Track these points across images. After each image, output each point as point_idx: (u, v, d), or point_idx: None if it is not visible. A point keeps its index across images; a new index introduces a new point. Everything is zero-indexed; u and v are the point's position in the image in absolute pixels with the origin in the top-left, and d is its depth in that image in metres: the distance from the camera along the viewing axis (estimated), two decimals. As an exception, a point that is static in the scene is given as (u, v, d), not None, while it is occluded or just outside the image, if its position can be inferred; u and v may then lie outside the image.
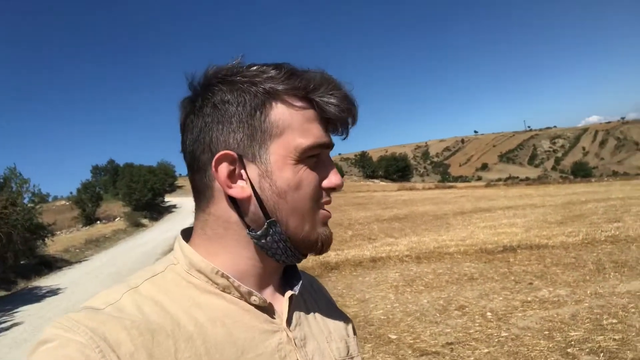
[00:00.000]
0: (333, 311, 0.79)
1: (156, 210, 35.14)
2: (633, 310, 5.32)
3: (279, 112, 0.61)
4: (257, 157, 0.61)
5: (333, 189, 0.65)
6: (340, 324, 0.77)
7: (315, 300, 0.77)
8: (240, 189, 0.61)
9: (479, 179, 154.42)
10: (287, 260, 0.65)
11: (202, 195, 0.64)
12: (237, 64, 0.63)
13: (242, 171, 0.61)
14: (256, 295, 0.63)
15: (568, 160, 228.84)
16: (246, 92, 0.61)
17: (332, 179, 0.64)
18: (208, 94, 0.62)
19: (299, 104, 0.62)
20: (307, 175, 0.62)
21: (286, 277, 0.72)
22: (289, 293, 0.67)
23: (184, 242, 0.65)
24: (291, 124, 0.61)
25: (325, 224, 0.66)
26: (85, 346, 0.50)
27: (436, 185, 47.04)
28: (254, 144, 0.61)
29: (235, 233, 0.63)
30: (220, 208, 0.63)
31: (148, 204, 33.86)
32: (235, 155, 0.60)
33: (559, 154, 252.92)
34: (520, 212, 18.13)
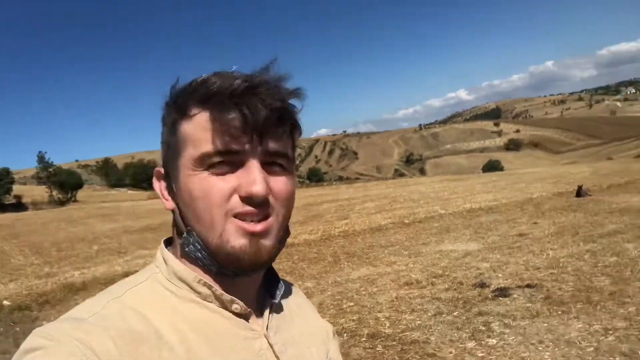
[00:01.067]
0: (312, 316, 0.80)
1: None
2: (364, 292, 6.34)
3: (184, 126, 0.61)
4: (176, 171, 0.63)
5: (249, 198, 0.59)
6: (320, 328, 0.78)
7: (295, 305, 0.78)
8: (168, 202, 0.65)
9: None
10: (215, 270, 0.63)
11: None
12: (199, 78, 0.62)
13: (169, 185, 0.65)
14: (238, 304, 0.64)
15: (304, 166, 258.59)
16: (170, 112, 0.63)
17: (245, 187, 0.59)
18: (164, 111, 0.65)
19: (201, 113, 0.60)
20: (208, 185, 0.60)
21: (267, 284, 0.73)
22: (269, 300, 0.69)
23: (166, 251, 0.66)
24: (190, 136, 0.61)
25: (244, 235, 0.60)
26: (72, 355, 0.50)
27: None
28: (171, 159, 0.64)
29: None
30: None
31: None
32: (161, 172, 0.66)
33: (297, 162, 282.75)
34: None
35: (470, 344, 4.25)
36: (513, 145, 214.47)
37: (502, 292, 5.75)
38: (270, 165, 0.62)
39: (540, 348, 3.96)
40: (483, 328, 4.61)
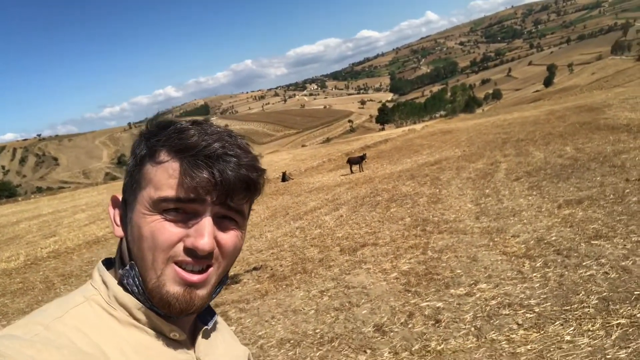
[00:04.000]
0: (234, 342, 0.84)
1: None
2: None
3: (150, 167, 0.65)
4: (132, 204, 0.66)
5: (193, 250, 0.62)
6: (241, 352, 0.83)
7: (220, 332, 0.80)
8: (119, 230, 0.68)
9: None
10: (149, 306, 0.65)
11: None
12: (164, 119, 0.69)
13: (124, 214, 0.68)
14: (176, 332, 0.67)
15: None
16: (140, 146, 0.67)
17: (192, 239, 0.63)
18: (134, 144, 0.68)
19: (170, 161, 0.64)
20: (158, 228, 0.63)
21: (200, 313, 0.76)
22: (202, 327, 0.73)
23: (108, 274, 0.67)
24: (153, 178, 0.64)
25: (180, 283, 0.63)
26: None
27: None
28: (131, 192, 0.66)
29: None
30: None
31: None
32: (119, 199, 0.69)
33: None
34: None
35: (212, 337, 4.35)
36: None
37: (233, 279, 6.07)
38: (223, 218, 0.66)
39: (273, 323, 4.38)
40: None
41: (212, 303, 0.75)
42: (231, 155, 0.64)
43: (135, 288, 0.65)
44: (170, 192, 0.62)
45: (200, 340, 0.73)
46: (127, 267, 0.65)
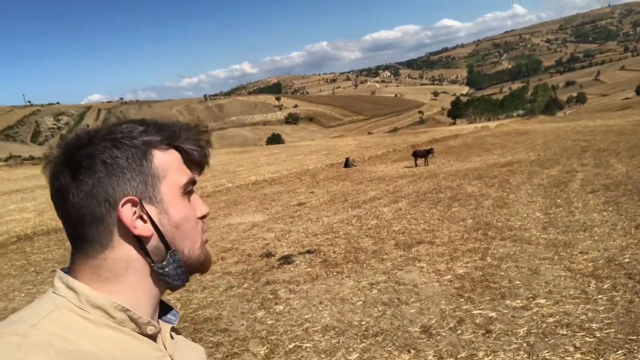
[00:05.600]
0: (189, 341, 0.87)
1: None
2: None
3: (160, 158, 0.71)
4: (154, 198, 0.70)
5: (204, 216, 0.77)
6: (198, 350, 0.87)
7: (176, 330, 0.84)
8: (144, 228, 0.68)
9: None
10: (179, 284, 0.74)
11: (93, 245, 0.67)
12: (107, 125, 0.71)
13: (142, 213, 0.68)
14: (153, 325, 0.70)
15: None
16: (129, 146, 0.68)
17: (202, 208, 0.77)
18: (94, 153, 0.67)
19: (170, 150, 0.73)
20: (190, 207, 0.74)
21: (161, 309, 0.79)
22: (169, 325, 0.78)
23: (73, 280, 0.67)
24: (170, 167, 0.72)
25: (206, 244, 0.78)
26: None
27: None
28: (148, 187, 0.69)
29: (135, 269, 0.69)
30: (120, 251, 0.68)
31: None
32: (137, 199, 0.68)
33: (64, 131, 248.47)
34: (29, 195, 16.79)
35: (260, 313, 4.48)
36: (292, 119, 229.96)
37: (287, 259, 6.19)
38: None
39: (320, 308, 4.43)
40: (271, 296, 4.90)
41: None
42: (197, 130, 0.78)
43: (178, 269, 0.72)
44: (187, 175, 0.74)
45: (168, 339, 0.75)
46: (168, 256, 0.71)
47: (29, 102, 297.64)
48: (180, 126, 0.75)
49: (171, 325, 0.77)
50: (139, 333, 0.68)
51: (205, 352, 0.90)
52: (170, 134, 0.73)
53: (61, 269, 0.70)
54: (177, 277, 0.72)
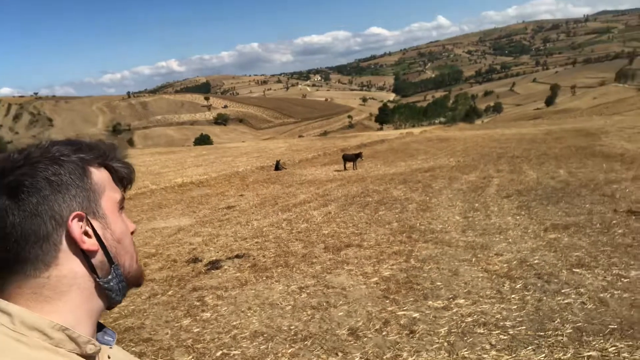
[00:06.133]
0: (125, 354, 0.85)
1: None
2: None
3: (96, 175, 0.72)
4: (97, 214, 0.71)
5: (133, 232, 0.79)
6: None
7: (117, 350, 0.82)
8: (91, 243, 0.69)
9: None
10: (119, 300, 0.74)
11: (35, 264, 0.66)
12: (40, 144, 0.71)
13: (88, 227, 0.69)
14: (93, 343, 0.68)
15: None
16: (68, 163, 0.69)
17: (131, 225, 0.79)
18: (36, 171, 0.66)
19: (101, 168, 0.74)
20: (125, 223, 0.77)
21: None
22: (107, 347, 0.75)
23: (10, 303, 0.65)
24: (105, 183, 0.74)
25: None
26: None
27: None
28: (91, 203, 0.70)
29: (79, 286, 0.68)
30: (66, 268, 0.67)
31: None
32: (84, 214, 0.68)
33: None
34: None
35: (186, 321, 4.34)
36: (221, 120, 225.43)
37: (214, 264, 6.05)
38: None
39: (249, 314, 4.37)
40: (198, 303, 4.77)
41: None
42: (121, 150, 0.80)
43: (120, 284, 0.73)
44: (119, 192, 0.77)
45: (105, 356, 0.74)
46: (112, 271, 0.72)
47: None
48: (107, 145, 0.78)
49: (109, 347, 0.75)
50: (78, 354, 0.66)
51: None
52: (101, 153, 0.75)
53: None
54: (119, 291, 0.73)
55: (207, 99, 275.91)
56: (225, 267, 5.92)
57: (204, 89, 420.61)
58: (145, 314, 4.59)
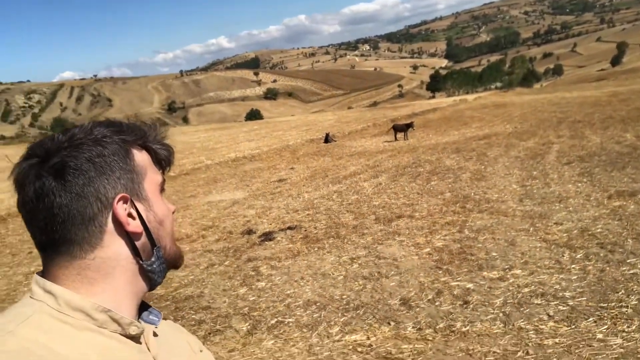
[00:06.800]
0: (177, 334, 0.84)
1: None
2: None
3: (138, 157, 0.72)
4: (140, 196, 0.71)
5: (173, 212, 0.79)
6: (191, 343, 0.84)
7: (167, 326, 0.83)
8: (135, 225, 0.69)
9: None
10: (160, 281, 0.74)
11: (82, 246, 0.66)
12: (83, 127, 0.70)
13: (132, 209, 0.69)
14: (136, 325, 0.68)
15: (46, 116, 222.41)
16: (111, 144, 0.69)
17: (171, 205, 0.79)
18: (80, 153, 0.66)
19: (141, 149, 0.74)
20: (167, 204, 0.77)
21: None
22: (151, 326, 0.74)
23: (54, 284, 0.66)
24: (147, 165, 0.73)
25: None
26: None
27: None
28: (135, 185, 0.70)
29: (123, 268, 0.69)
30: (110, 249, 0.68)
31: None
32: (128, 196, 0.69)
33: (36, 110, 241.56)
34: (1, 176, 16.38)
35: (242, 290, 4.50)
36: (271, 95, 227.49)
37: (268, 236, 6.20)
38: None
39: (302, 283, 4.47)
40: (253, 273, 4.93)
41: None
42: (162, 131, 0.79)
43: (162, 265, 0.73)
44: (160, 174, 0.77)
45: (151, 339, 0.73)
46: (155, 253, 0.72)
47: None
48: (147, 126, 0.76)
49: (154, 326, 0.75)
50: (121, 334, 0.67)
51: (195, 340, 0.88)
52: (141, 134, 0.74)
53: (37, 273, 0.69)
54: (160, 273, 0.74)
55: (256, 74, 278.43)
56: (278, 238, 6.05)
57: (253, 64, 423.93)
58: (203, 284, 4.80)
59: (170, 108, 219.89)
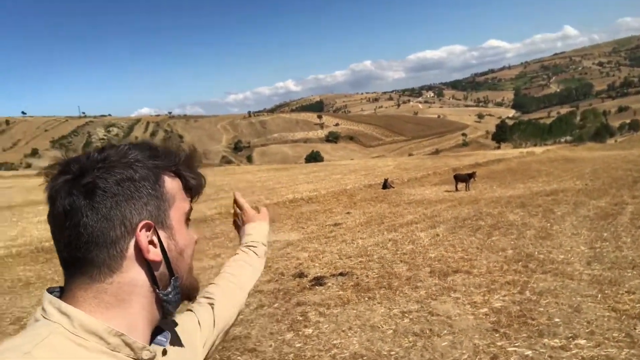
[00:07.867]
0: (188, 339, 0.85)
1: None
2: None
3: (168, 183, 0.73)
4: (165, 224, 0.72)
5: (196, 242, 0.80)
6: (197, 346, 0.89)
7: (180, 341, 0.82)
8: (155, 253, 0.69)
9: (29, 166, 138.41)
10: (174, 311, 0.75)
11: (101, 269, 0.67)
12: (118, 147, 0.71)
13: (154, 237, 0.70)
14: (148, 349, 0.68)
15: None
16: (142, 169, 0.70)
17: (194, 234, 0.79)
18: (111, 175, 0.67)
19: (173, 176, 0.75)
20: (191, 234, 0.78)
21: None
22: (161, 348, 0.74)
23: (69, 306, 0.66)
24: (176, 192, 0.74)
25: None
26: None
27: (-28, 174, 38.87)
28: (161, 212, 0.71)
29: (139, 295, 0.69)
30: (129, 275, 0.68)
31: None
32: (152, 224, 0.69)
33: (114, 142, 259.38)
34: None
35: (289, 335, 4.46)
36: (332, 138, 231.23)
37: (319, 280, 6.17)
38: None
39: (349, 334, 4.37)
40: (300, 318, 4.89)
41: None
42: (195, 157, 0.80)
43: (177, 296, 0.74)
44: (189, 202, 0.78)
45: (160, 357, 0.73)
46: (172, 283, 0.73)
47: (83, 113, 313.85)
48: (181, 153, 0.78)
49: (163, 348, 0.75)
50: (133, 359, 0.67)
51: (199, 331, 0.92)
52: (175, 161, 0.75)
53: (48, 290, 0.70)
54: (175, 304, 0.74)
55: (319, 117, 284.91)
56: (329, 284, 6.00)
57: (317, 107, 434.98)
58: (251, 325, 4.81)
59: (237, 147, 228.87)
